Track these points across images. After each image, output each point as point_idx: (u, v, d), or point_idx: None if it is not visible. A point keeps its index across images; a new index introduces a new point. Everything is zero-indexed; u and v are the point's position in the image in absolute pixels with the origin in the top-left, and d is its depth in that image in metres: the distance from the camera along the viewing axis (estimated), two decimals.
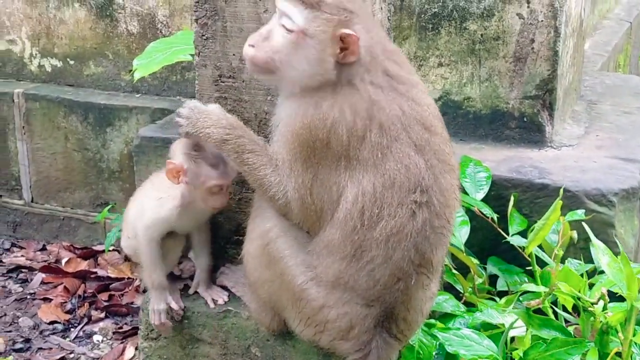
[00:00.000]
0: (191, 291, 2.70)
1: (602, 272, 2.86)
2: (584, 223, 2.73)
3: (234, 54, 2.51)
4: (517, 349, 2.50)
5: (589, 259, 2.98)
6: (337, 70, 2.22)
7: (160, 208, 2.62)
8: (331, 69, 2.21)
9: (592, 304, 2.43)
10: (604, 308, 2.43)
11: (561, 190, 2.89)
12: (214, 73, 2.55)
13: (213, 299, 2.65)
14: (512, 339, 2.65)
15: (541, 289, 2.55)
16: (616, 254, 2.60)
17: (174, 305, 2.62)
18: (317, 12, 2.19)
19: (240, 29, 2.47)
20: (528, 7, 3.45)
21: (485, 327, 2.69)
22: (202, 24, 2.51)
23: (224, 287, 2.66)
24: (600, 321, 2.40)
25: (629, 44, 6.10)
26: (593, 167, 3.39)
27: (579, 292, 2.50)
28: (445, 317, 2.74)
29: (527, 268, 3.07)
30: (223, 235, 2.71)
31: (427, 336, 2.58)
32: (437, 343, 2.57)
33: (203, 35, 2.52)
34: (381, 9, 2.60)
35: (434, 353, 2.57)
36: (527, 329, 2.46)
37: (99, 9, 4.46)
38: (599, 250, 2.46)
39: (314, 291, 2.32)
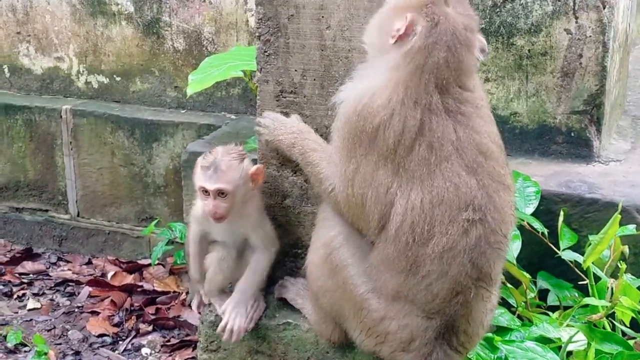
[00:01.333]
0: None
1: None
2: None
3: (295, 70, 2.56)
4: None
5: (639, 275, 2.99)
6: (398, 50, 2.21)
7: (197, 206, 2.73)
8: (388, 42, 2.21)
9: None
10: None
11: (620, 205, 2.89)
12: (276, 88, 2.59)
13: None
14: (570, 353, 2.66)
15: (602, 302, 2.56)
16: None
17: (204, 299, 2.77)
18: None
19: (303, 45, 2.52)
20: (576, 22, 3.47)
21: (541, 342, 2.70)
22: (265, 40, 2.55)
23: (283, 300, 2.69)
24: None
25: None
26: None
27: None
28: (501, 330, 2.75)
29: (578, 283, 3.08)
30: (282, 249, 2.75)
31: (485, 350, 2.59)
32: (496, 356, 2.58)
33: (265, 52, 2.56)
34: None
35: None
36: (588, 343, 2.47)
37: (146, 27, 4.54)
38: None
39: (375, 302, 2.34)
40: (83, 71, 4.76)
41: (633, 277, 3.04)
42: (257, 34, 2.58)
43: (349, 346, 2.55)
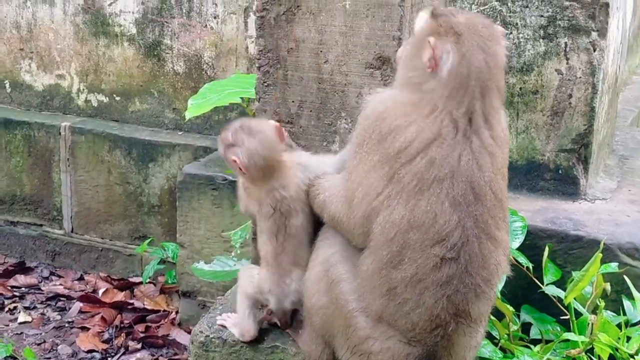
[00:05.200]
0: None
1: (635, 324, 2.94)
2: (625, 276, 2.80)
3: (292, 101, 2.64)
4: None
5: (619, 312, 3.06)
6: (424, 78, 2.24)
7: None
8: (421, 70, 2.23)
9: (631, 355, 2.50)
10: None
11: (602, 244, 2.97)
12: (273, 118, 2.67)
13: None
14: None
15: (581, 338, 2.63)
16: None
17: None
18: (431, 19, 2.27)
19: (301, 77, 2.60)
20: (567, 63, 3.57)
21: None
22: (265, 71, 2.64)
23: (273, 325, 2.75)
24: None
25: None
26: (627, 221, 3.47)
27: (617, 342, 2.58)
28: None
29: (561, 317, 3.15)
30: None
31: None
32: None
33: (264, 82, 2.65)
34: None
35: None
36: None
37: (147, 49, 4.62)
38: (639, 301, 2.53)
39: (362, 320, 2.37)
40: (83, 89, 4.84)
41: (614, 314, 3.11)
42: (257, 65, 2.66)
43: None
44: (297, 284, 2.56)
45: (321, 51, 2.57)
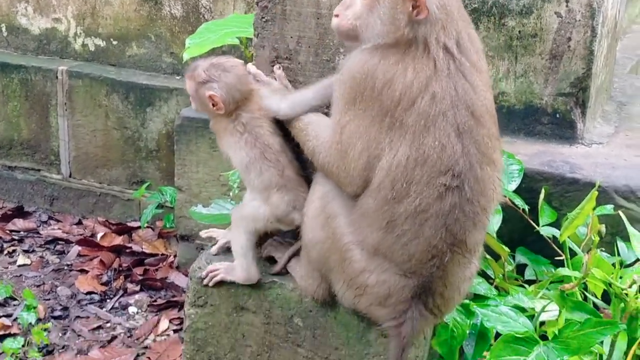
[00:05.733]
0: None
1: (629, 265, 2.98)
2: (621, 213, 2.84)
3: (291, 37, 2.63)
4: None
5: (613, 254, 3.09)
6: (412, 27, 2.28)
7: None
8: (404, 25, 2.27)
9: (623, 289, 2.53)
10: (636, 295, 2.53)
11: (597, 183, 2.99)
12: (272, 54, 2.67)
13: None
14: (542, 323, 2.76)
15: (575, 273, 2.66)
16: None
17: None
18: None
19: (299, 12, 2.59)
20: (567, 6, 3.55)
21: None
22: (263, 7, 2.62)
23: (272, 258, 2.78)
24: (632, 306, 2.51)
25: None
26: (623, 164, 3.49)
27: (611, 278, 2.61)
28: (478, 298, 2.84)
29: (555, 259, 3.18)
30: None
31: (462, 315, 2.69)
32: (471, 322, 2.68)
33: (263, 18, 2.64)
34: None
35: (467, 332, 2.68)
36: (560, 311, 2.57)
37: None
38: (634, 238, 2.56)
39: (357, 253, 2.41)
40: (80, 33, 4.81)
41: (608, 255, 3.15)
42: (255, 0, 2.65)
43: (332, 306, 2.64)
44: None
45: None
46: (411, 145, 2.26)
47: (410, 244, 2.33)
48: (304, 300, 2.67)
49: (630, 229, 2.68)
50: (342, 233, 2.43)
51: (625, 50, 5.24)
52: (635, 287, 2.54)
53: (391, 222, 2.32)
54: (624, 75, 4.75)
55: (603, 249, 3.14)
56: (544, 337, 2.59)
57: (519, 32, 3.66)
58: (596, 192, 2.83)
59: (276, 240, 2.80)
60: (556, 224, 3.21)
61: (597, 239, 2.72)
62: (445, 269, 2.38)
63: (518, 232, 3.35)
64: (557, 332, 2.45)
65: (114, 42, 4.74)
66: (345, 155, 2.35)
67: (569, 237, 3.03)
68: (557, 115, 3.70)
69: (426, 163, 2.26)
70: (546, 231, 3.17)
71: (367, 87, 2.28)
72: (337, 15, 2.38)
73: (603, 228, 3.07)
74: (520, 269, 3.32)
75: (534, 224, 3.22)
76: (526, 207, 3.26)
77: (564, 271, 2.74)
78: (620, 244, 3.09)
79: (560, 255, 3.09)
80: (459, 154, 2.28)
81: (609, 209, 3.15)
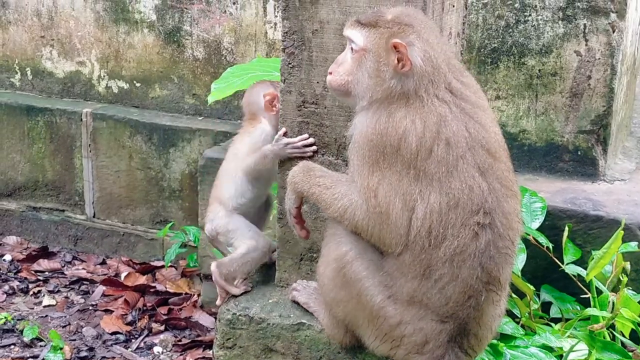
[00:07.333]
0: None
1: None
2: None
3: (317, 82, 2.68)
4: None
5: (639, 292, 3.09)
6: (399, 80, 2.35)
7: None
8: (389, 78, 2.34)
9: None
10: None
11: (622, 222, 3.00)
12: (298, 99, 2.71)
13: None
14: None
15: (603, 313, 2.67)
16: None
17: None
18: (374, 29, 2.37)
19: (325, 58, 2.64)
20: (586, 45, 3.59)
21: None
22: (289, 53, 2.68)
23: (297, 303, 2.80)
24: None
25: None
26: None
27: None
28: (505, 338, 2.85)
29: (580, 296, 3.18)
30: (297, 252, 2.86)
31: (490, 356, 2.69)
32: None
33: (290, 64, 2.69)
34: (455, 43, 2.76)
35: None
36: (589, 352, 2.57)
37: (167, 35, 4.67)
38: None
39: (392, 309, 2.43)
40: (104, 76, 4.89)
41: (634, 292, 3.15)
42: (282, 47, 2.70)
43: (360, 348, 2.65)
44: None
45: None
46: (440, 191, 2.31)
47: (447, 287, 2.36)
48: (332, 342, 2.68)
49: None
50: (371, 294, 2.45)
51: None
52: None
53: (428, 268, 2.36)
54: None
55: (629, 287, 3.15)
56: None
57: (539, 70, 3.70)
58: (622, 232, 2.84)
59: (300, 285, 2.82)
60: (580, 262, 3.22)
61: (626, 278, 2.72)
62: (480, 309, 2.41)
63: (542, 270, 3.36)
64: None
65: (137, 84, 4.82)
66: (388, 216, 2.37)
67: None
68: (579, 153, 3.73)
69: (458, 205, 2.31)
70: (571, 269, 3.18)
71: (386, 145, 2.34)
72: (330, 73, 2.47)
73: (628, 265, 3.08)
74: (545, 306, 3.32)
75: (558, 262, 3.22)
76: (550, 245, 3.27)
77: (592, 311, 2.75)
78: None
79: (585, 293, 3.10)
80: (487, 192, 2.34)
81: (633, 246, 3.16)
